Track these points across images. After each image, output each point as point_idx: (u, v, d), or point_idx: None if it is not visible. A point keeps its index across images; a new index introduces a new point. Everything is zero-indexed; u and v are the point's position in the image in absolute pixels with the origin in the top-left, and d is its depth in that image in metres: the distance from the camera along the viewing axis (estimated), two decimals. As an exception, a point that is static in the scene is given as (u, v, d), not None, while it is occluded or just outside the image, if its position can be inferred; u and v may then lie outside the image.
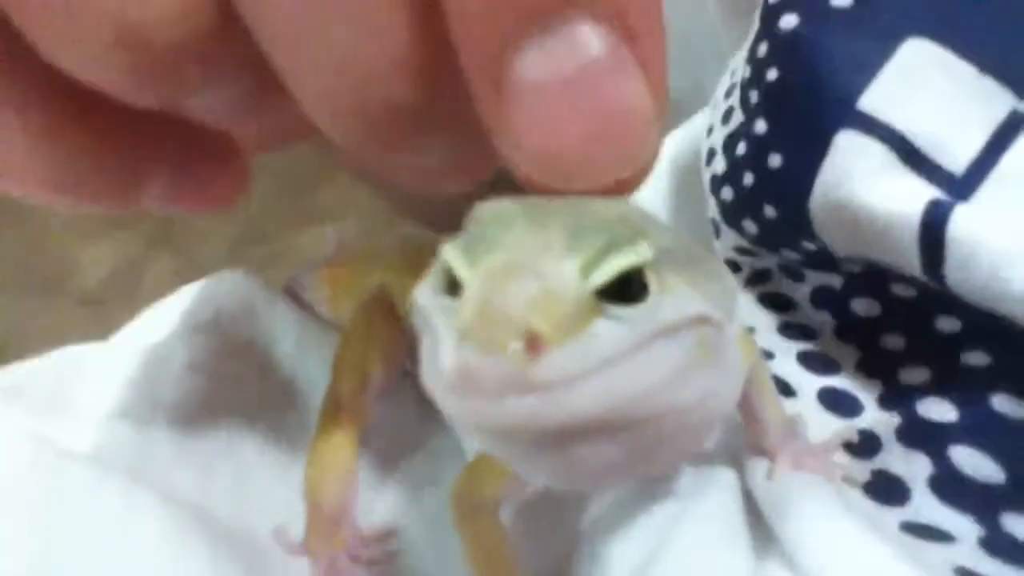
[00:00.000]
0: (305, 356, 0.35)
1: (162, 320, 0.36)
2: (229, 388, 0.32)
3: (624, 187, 0.14)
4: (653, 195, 0.41)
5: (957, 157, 0.25)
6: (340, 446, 0.29)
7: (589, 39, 0.13)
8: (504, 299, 0.14)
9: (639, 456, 0.17)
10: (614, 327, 0.14)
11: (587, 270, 0.14)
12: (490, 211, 0.16)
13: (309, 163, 0.80)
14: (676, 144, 0.41)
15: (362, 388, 0.30)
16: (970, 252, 0.23)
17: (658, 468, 0.21)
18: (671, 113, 0.46)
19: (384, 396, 0.31)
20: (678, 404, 0.16)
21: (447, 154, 0.16)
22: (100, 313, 0.66)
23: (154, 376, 0.32)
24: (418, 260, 0.34)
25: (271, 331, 0.35)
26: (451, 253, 0.15)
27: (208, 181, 0.19)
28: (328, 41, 0.14)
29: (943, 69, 0.26)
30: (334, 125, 0.15)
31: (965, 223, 0.23)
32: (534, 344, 0.13)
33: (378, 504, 0.30)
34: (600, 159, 0.14)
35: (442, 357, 0.14)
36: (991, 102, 0.25)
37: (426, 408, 0.33)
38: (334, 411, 0.29)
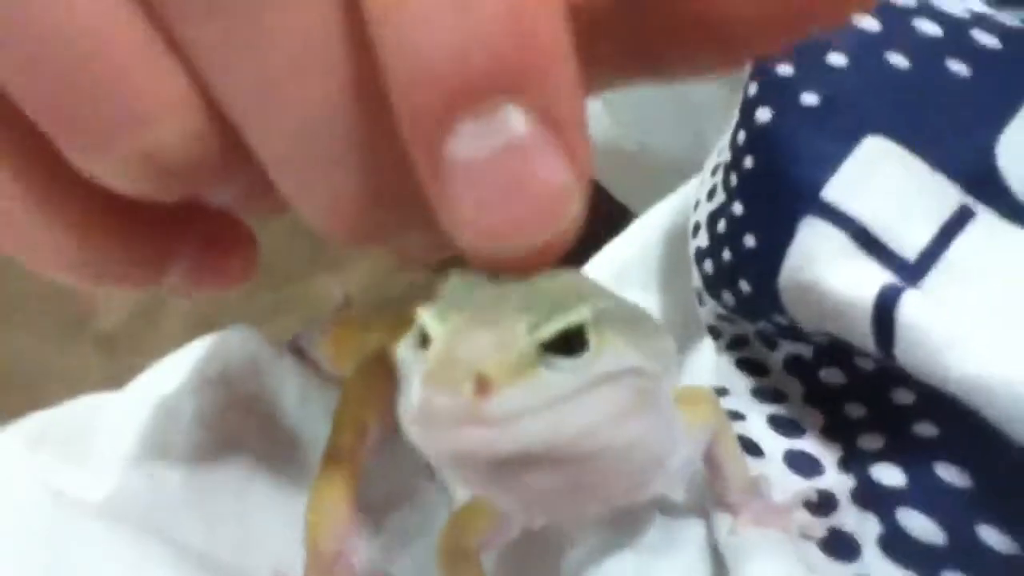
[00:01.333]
0: (308, 410, 0.37)
1: (174, 372, 0.37)
2: (235, 440, 0.35)
3: (549, 252, 0.16)
4: (644, 262, 0.43)
5: (910, 245, 0.28)
6: (338, 493, 0.31)
7: (515, 123, 0.15)
8: (461, 348, 0.16)
9: (583, 489, 0.20)
10: (554, 375, 0.17)
11: (534, 327, 0.17)
12: (461, 279, 0.19)
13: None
14: (667, 214, 0.44)
15: (359, 440, 0.32)
16: (917, 335, 0.26)
17: (604, 503, 0.24)
18: (671, 169, 0.48)
19: (380, 448, 0.33)
20: (614, 444, 0.19)
21: (426, 238, 0.19)
22: (117, 354, 0.69)
23: (165, 428, 0.34)
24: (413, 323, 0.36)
25: (276, 386, 0.37)
26: (425, 314, 0.18)
27: (224, 262, 0.22)
28: (313, 167, 0.16)
29: (899, 165, 0.28)
30: (323, 227, 0.18)
31: (912, 309, 0.26)
32: (483, 386, 0.16)
33: (372, 549, 0.32)
34: (525, 232, 0.16)
35: (411, 396, 0.17)
36: (942, 196, 0.28)
37: (418, 461, 0.35)
38: (333, 461, 0.32)
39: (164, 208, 0.19)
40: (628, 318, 0.19)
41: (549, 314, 0.17)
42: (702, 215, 0.36)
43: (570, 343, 0.17)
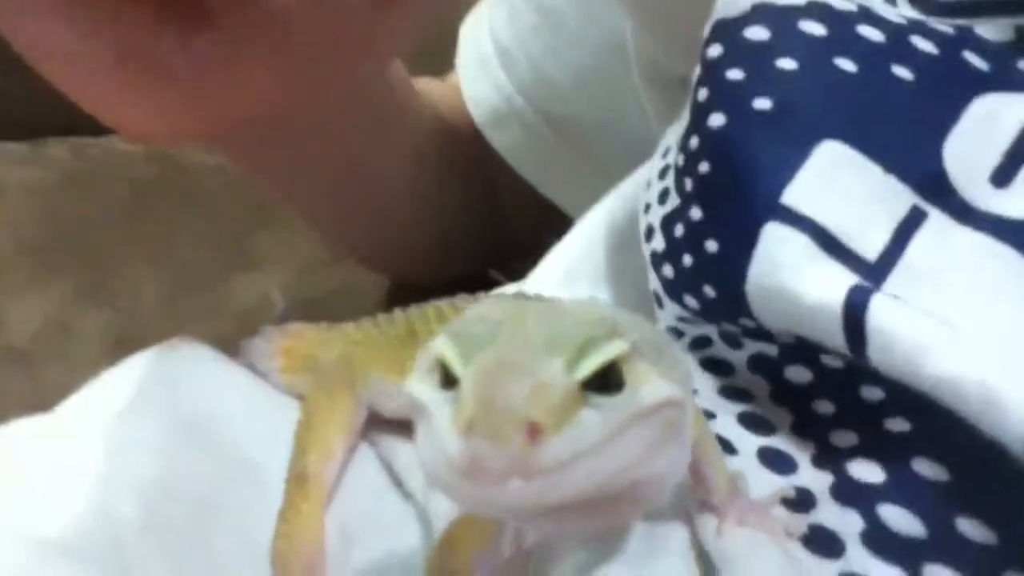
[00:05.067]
0: (260, 427, 0.35)
1: (113, 392, 0.35)
2: (188, 464, 0.32)
3: None
4: (591, 259, 0.43)
5: (869, 246, 0.28)
6: (308, 517, 0.30)
7: None
8: (504, 394, 0.16)
9: (612, 514, 0.21)
10: (597, 415, 0.17)
11: (571, 365, 0.17)
12: (476, 312, 0.18)
13: (241, 210, 0.80)
14: (610, 214, 0.44)
15: (326, 459, 0.31)
16: (888, 339, 0.26)
17: (625, 521, 0.25)
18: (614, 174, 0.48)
19: (345, 469, 0.32)
20: (648, 475, 0.19)
21: None
22: (31, 369, 0.65)
23: (111, 454, 0.32)
24: (375, 335, 0.35)
25: (224, 403, 0.35)
26: (445, 350, 0.17)
27: None
28: None
29: (853, 169, 0.29)
30: None
31: (882, 312, 0.26)
32: (534, 434, 0.16)
33: (346, 572, 0.31)
34: None
35: (448, 447, 0.16)
36: (895, 198, 0.29)
37: (386, 478, 0.34)
38: (300, 483, 0.31)
39: None
40: (654, 345, 0.19)
41: (582, 349, 0.17)
42: (655, 218, 0.36)
43: (605, 377, 0.17)
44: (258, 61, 0.31)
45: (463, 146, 0.59)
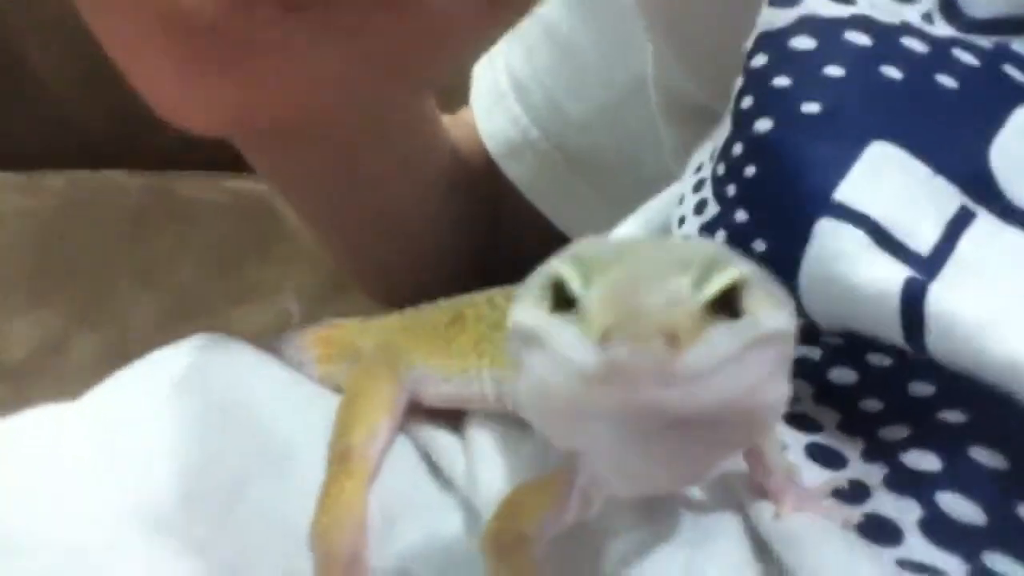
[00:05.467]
0: (290, 411, 0.35)
1: (140, 383, 0.35)
2: (220, 449, 0.32)
3: None
4: None
5: (922, 240, 0.29)
6: (351, 494, 0.29)
7: None
8: (642, 301, 0.16)
9: (713, 451, 0.22)
10: (722, 335, 0.17)
11: (699, 284, 0.17)
12: (588, 246, 0.19)
13: (239, 239, 0.80)
14: (641, 230, 0.44)
15: (370, 438, 0.31)
16: (948, 324, 0.26)
17: (712, 466, 0.25)
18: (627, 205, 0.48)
19: (388, 450, 0.32)
20: (763, 404, 0.19)
21: None
22: (24, 390, 0.64)
23: (144, 442, 0.32)
24: (418, 321, 0.35)
25: (256, 389, 0.35)
26: (565, 271, 0.17)
27: None
28: None
29: (903, 169, 0.30)
30: None
31: (940, 299, 0.27)
32: (674, 341, 0.15)
33: (387, 554, 0.30)
34: None
35: (581, 357, 0.16)
36: (944, 197, 0.29)
37: (425, 466, 0.33)
38: (343, 462, 0.30)
39: None
40: (765, 280, 0.19)
41: (708, 270, 0.17)
42: (691, 230, 0.36)
43: (726, 301, 0.17)
44: (337, 47, 0.29)
45: (473, 179, 0.59)
